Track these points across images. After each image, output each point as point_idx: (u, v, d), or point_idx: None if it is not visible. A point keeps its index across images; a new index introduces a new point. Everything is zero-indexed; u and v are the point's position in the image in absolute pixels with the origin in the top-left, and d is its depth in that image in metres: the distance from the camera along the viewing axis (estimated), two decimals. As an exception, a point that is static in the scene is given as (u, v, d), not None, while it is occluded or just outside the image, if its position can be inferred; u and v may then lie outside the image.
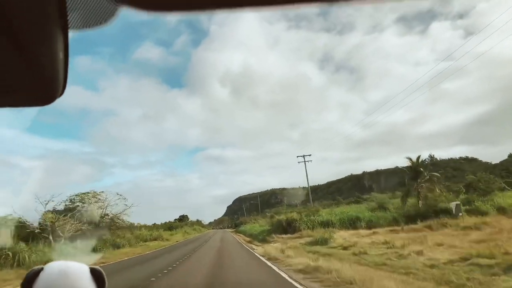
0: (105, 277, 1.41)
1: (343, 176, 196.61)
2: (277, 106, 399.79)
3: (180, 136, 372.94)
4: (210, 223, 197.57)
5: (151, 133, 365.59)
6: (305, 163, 46.58)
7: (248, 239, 39.81)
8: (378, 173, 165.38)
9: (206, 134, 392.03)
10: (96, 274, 1.40)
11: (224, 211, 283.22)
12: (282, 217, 34.82)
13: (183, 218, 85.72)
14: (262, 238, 33.35)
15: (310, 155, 47.64)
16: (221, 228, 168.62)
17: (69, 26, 0.58)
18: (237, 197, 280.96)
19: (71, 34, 0.58)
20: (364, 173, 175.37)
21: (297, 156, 46.28)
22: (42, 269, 1.37)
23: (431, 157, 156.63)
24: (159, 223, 66.54)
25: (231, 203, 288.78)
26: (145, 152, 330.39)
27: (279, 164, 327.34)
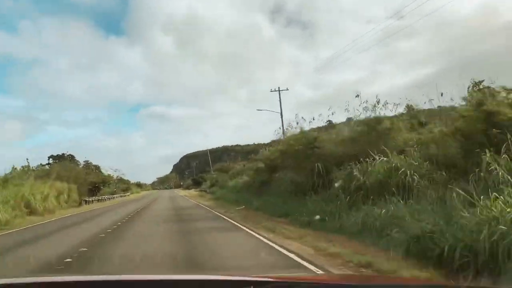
0: None
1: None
2: (226, 60, 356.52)
3: (120, 91, 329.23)
4: (153, 182, 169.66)
5: (88, 87, 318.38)
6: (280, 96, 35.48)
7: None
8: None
9: (149, 89, 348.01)
10: None
11: (170, 169, 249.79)
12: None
13: (61, 158, 40.00)
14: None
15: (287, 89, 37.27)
16: (166, 188, 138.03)
17: None
18: (184, 155, 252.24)
19: None
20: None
21: (271, 91, 35.62)
22: None
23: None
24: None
25: (177, 161, 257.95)
26: (83, 109, 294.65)
27: (228, 122, 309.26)
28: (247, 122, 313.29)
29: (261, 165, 22.07)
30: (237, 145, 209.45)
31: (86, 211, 24.46)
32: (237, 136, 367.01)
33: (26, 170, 27.90)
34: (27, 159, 28.84)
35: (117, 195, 57.06)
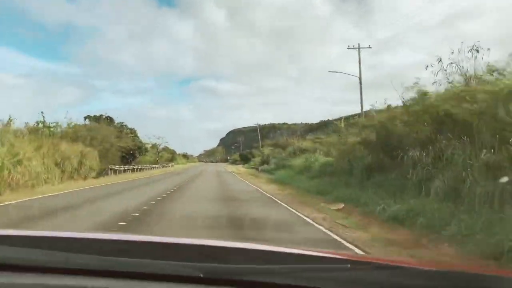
0: None
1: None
2: (277, 36, 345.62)
3: (171, 63, 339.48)
4: (200, 155, 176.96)
5: (141, 58, 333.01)
6: (359, 55, 28.83)
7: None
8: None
9: (199, 63, 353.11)
10: None
11: (217, 143, 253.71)
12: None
13: (98, 119, 34.04)
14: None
15: (370, 46, 30.61)
16: (212, 162, 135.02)
17: None
18: (231, 130, 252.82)
19: None
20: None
21: (348, 48, 29.44)
22: None
23: None
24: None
25: (224, 135, 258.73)
26: (135, 78, 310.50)
27: (275, 100, 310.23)
28: (295, 101, 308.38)
29: (372, 135, 13.35)
30: (284, 123, 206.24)
31: (84, 188, 16.60)
32: (284, 114, 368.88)
33: (39, 127, 21.93)
34: (41, 112, 22.65)
35: (160, 165, 51.54)
